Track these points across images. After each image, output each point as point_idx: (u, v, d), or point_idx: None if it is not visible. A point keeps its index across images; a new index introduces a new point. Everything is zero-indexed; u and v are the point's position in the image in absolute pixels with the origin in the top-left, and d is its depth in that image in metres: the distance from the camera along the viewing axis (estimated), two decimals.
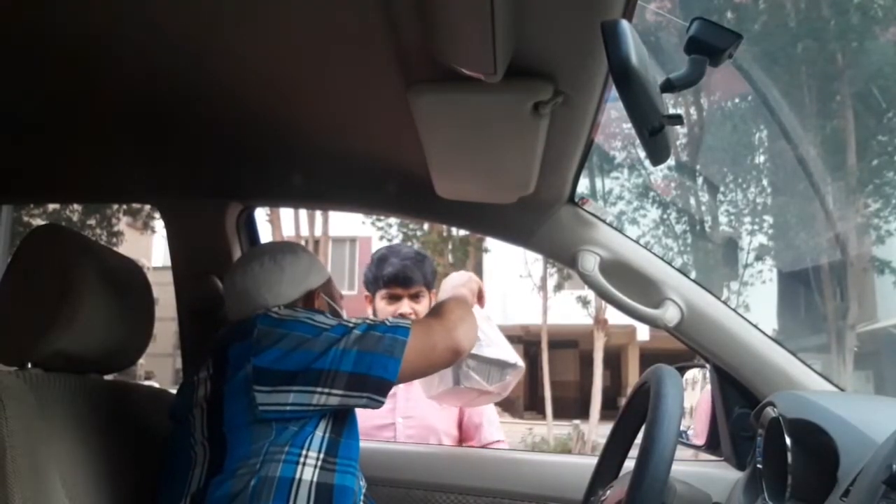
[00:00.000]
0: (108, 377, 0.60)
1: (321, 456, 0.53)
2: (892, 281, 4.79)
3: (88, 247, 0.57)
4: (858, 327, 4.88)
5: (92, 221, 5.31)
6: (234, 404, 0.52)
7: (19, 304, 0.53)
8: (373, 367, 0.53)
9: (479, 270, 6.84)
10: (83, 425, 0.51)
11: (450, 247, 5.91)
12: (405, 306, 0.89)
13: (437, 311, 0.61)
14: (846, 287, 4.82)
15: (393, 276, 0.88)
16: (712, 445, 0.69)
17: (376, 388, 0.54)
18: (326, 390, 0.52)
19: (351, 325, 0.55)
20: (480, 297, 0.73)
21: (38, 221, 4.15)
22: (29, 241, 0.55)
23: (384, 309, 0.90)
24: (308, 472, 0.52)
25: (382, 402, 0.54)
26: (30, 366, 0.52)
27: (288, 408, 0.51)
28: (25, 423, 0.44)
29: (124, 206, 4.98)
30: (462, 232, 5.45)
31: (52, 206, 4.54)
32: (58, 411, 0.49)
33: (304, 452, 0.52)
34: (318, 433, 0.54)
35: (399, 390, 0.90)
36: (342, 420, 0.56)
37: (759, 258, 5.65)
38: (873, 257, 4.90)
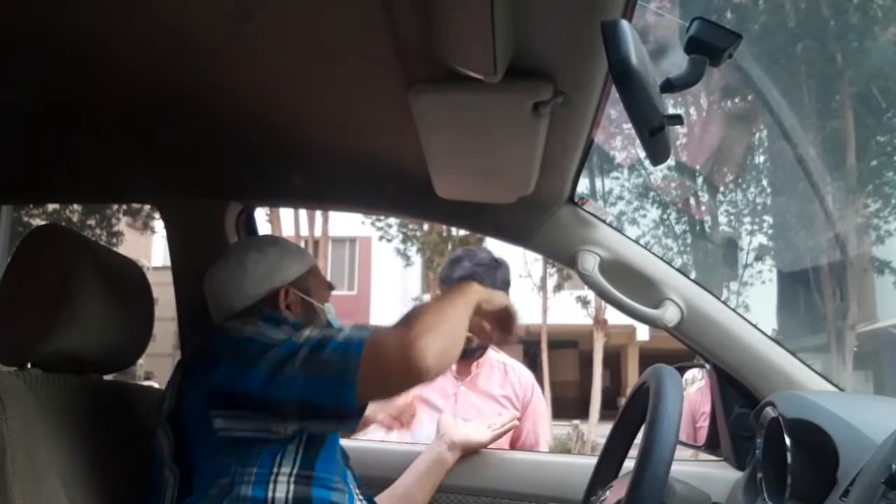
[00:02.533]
0: (108, 377, 0.60)
1: (295, 471, 0.49)
2: (892, 281, 4.79)
3: (88, 247, 0.57)
4: (858, 327, 4.88)
5: (92, 221, 5.31)
6: (196, 429, 0.49)
7: (19, 304, 0.53)
8: (322, 394, 0.47)
9: None
10: (83, 425, 0.51)
11: (449, 247, 5.91)
12: None
13: (404, 317, 0.50)
14: (846, 287, 4.82)
15: (461, 279, 0.88)
16: (712, 445, 0.69)
17: (337, 416, 0.48)
18: (280, 420, 0.48)
19: (301, 340, 0.49)
20: (507, 326, 0.57)
21: (38, 221, 4.15)
22: (28, 241, 0.55)
23: None
24: (282, 490, 0.48)
25: (353, 427, 0.49)
26: (29, 366, 0.52)
27: (248, 433, 0.49)
28: (25, 424, 0.44)
29: (124, 206, 4.98)
30: (462, 232, 5.45)
31: (51, 207, 4.54)
32: (57, 412, 0.49)
33: (274, 471, 0.49)
34: (291, 448, 0.50)
35: (461, 391, 0.89)
36: (320, 437, 0.51)
37: (758, 258, 5.65)
38: (873, 257, 4.90)
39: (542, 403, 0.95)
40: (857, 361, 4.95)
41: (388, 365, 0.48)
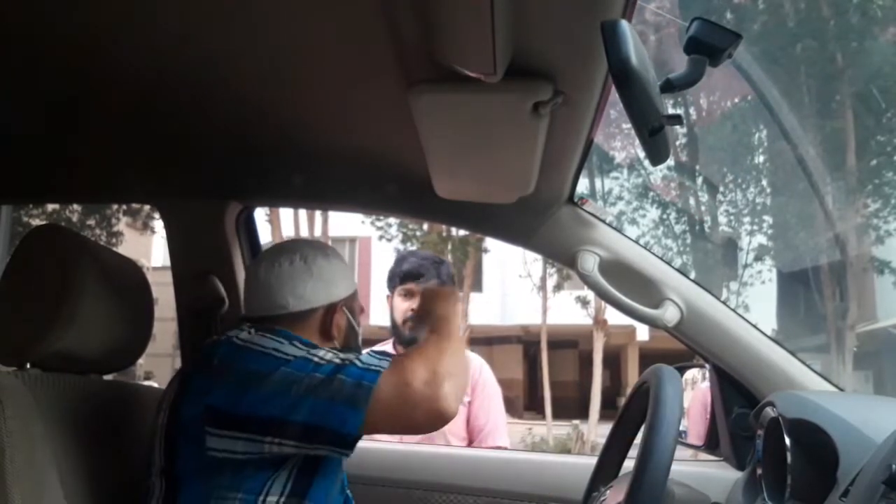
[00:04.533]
0: (108, 377, 0.60)
1: (283, 500, 0.48)
2: (892, 281, 4.79)
3: (87, 247, 0.57)
4: (858, 327, 4.88)
5: (91, 221, 5.30)
6: (187, 442, 0.48)
7: (18, 304, 0.53)
8: (328, 419, 0.46)
9: (478, 270, 6.83)
10: (82, 426, 0.51)
11: (449, 247, 5.91)
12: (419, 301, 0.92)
13: (424, 354, 0.49)
14: (846, 287, 4.82)
15: (408, 271, 0.91)
16: (711, 445, 0.69)
17: (335, 441, 0.47)
18: (277, 440, 0.47)
19: (317, 361, 0.48)
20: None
21: (38, 221, 4.15)
22: (28, 241, 0.55)
23: (399, 305, 0.92)
24: None
25: (347, 455, 0.48)
26: (28, 366, 0.52)
27: (239, 455, 0.47)
28: (24, 424, 0.44)
29: (124, 207, 4.97)
30: (462, 232, 5.46)
31: (51, 207, 4.53)
32: (56, 411, 0.49)
33: (261, 499, 0.47)
34: (283, 474, 0.48)
35: None
36: (314, 461, 0.49)
37: (758, 258, 5.65)
38: (873, 257, 4.91)
39: (491, 385, 0.95)
40: (857, 361, 4.95)
41: (409, 406, 0.46)
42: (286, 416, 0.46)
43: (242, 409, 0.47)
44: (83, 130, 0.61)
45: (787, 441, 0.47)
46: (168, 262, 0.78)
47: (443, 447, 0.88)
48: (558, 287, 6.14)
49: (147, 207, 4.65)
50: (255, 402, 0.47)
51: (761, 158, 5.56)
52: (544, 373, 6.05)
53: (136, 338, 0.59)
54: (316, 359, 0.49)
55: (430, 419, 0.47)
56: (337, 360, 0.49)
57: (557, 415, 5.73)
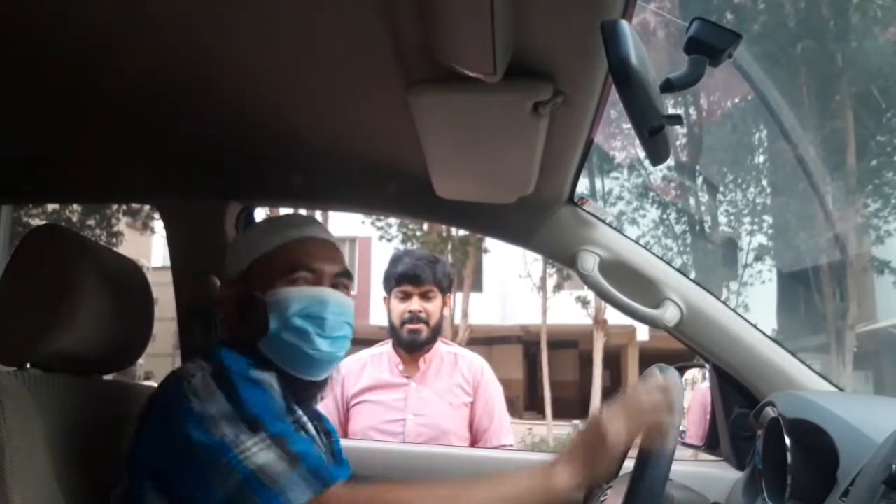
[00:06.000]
0: (108, 377, 0.60)
1: None
2: (892, 281, 4.78)
3: (87, 247, 0.57)
4: (858, 327, 4.88)
5: (91, 221, 5.30)
6: (138, 486, 0.44)
7: (18, 304, 0.52)
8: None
9: (478, 270, 6.81)
10: (82, 425, 0.51)
11: (449, 247, 5.91)
12: (415, 304, 0.90)
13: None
14: (845, 287, 4.82)
15: (404, 274, 0.90)
16: (711, 445, 0.69)
17: None
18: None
19: (239, 453, 0.39)
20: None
21: (38, 221, 4.14)
22: (28, 241, 0.55)
23: (396, 307, 0.92)
24: None
25: None
26: (29, 366, 0.52)
27: None
28: (24, 424, 0.43)
29: (124, 207, 4.97)
30: (462, 232, 5.45)
31: (51, 207, 4.53)
32: (57, 412, 0.49)
33: None
34: None
35: (411, 387, 0.90)
36: None
37: (758, 258, 5.65)
38: (873, 257, 4.90)
39: (493, 385, 0.94)
40: (857, 361, 4.95)
41: None
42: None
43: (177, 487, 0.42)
44: (83, 130, 0.61)
45: (788, 441, 0.47)
46: (168, 262, 0.78)
47: (444, 447, 0.87)
48: (558, 287, 6.14)
49: (147, 207, 4.64)
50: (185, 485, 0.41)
51: (761, 158, 5.56)
52: (544, 373, 6.04)
53: (136, 338, 0.59)
54: (241, 448, 0.41)
55: None
56: (271, 455, 0.40)
57: (557, 415, 5.71)
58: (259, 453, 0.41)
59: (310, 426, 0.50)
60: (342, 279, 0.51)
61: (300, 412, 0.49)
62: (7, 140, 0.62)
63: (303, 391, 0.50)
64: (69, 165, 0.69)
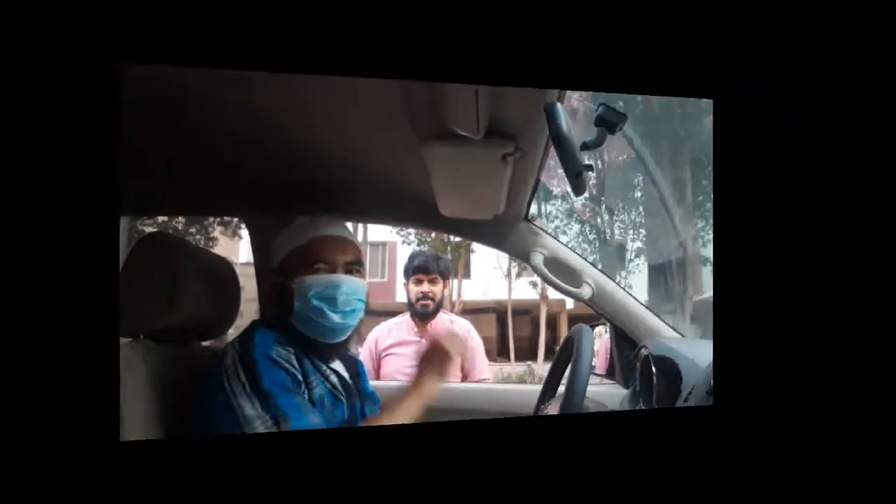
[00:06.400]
0: (205, 343, 0.56)
1: None
2: (709, 270, 5.07)
3: (189, 248, 0.55)
4: (693, 298, 5.16)
5: (193, 229, 5.01)
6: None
7: (135, 290, 0.48)
8: None
9: (467, 264, 6.80)
10: (183, 381, 0.47)
11: (449, 248, 5.90)
12: (425, 287, 0.95)
13: None
14: (686, 273, 5.10)
15: (418, 266, 0.95)
16: (611, 374, 0.73)
17: None
18: None
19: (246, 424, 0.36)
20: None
21: (150, 229, 3.85)
22: (141, 243, 0.52)
23: (412, 289, 0.95)
24: None
25: None
26: (142, 337, 0.48)
27: None
28: (138, 384, 0.41)
29: (218, 219, 4.71)
30: (456, 238, 5.40)
31: (161, 218, 4.21)
32: (164, 372, 0.45)
33: None
34: None
35: (421, 343, 0.86)
36: None
37: (637, 256, 5.88)
38: (701, 255, 5.23)
39: (476, 340, 0.97)
40: (692, 319, 5.22)
41: None
42: None
43: None
44: (193, 165, 0.59)
45: (654, 370, 0.52)
46: (251, 259, 0.77)
47: (444, 382, 0.87)
48: (519, 275, 6.22)
49: (235, 220, 4.39)
50: None
51: (639, 194, 5.82)
52: (510, 331, 6.10)
53: (226, 315, 0.56)
54: None
55: None
56: None
57: (518, 357, 5.78)
58: (259, 428, 0.39)
59: (334, 377, 0.46)
60: (354, 266, 0.48)
61: (324, 367, 0.46)
62: (131, 166, 0.59)
63: (327, 351, 0.48)
64: (179, 187, 0.67)
